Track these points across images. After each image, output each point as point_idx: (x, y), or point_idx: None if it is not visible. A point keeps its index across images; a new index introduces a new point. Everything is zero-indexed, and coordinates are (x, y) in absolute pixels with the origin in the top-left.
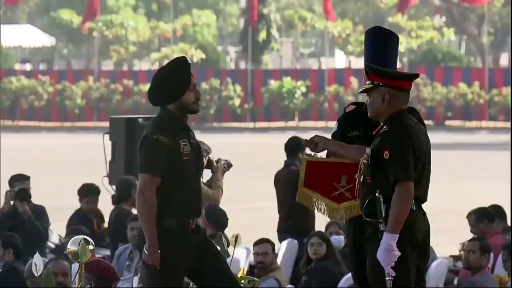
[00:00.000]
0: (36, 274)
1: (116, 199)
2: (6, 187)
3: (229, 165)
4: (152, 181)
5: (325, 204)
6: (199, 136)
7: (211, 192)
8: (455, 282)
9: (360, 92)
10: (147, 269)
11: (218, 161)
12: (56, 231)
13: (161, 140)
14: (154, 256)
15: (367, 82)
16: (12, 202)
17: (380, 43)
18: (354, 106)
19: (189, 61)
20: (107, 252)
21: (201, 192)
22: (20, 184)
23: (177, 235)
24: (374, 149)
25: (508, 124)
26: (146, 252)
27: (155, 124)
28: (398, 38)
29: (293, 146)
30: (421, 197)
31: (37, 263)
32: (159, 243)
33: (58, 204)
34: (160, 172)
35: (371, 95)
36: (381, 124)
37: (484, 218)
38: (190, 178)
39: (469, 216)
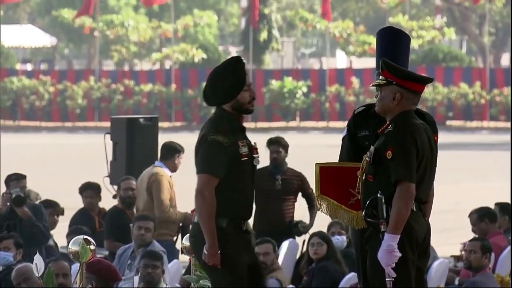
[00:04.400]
0: (37, 274)
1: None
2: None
3: None
4: (210, 181)
5: (344, 211)
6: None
7: None
8: (456, 282)
9: (372, 86)
10: (210, 270)
11: None
12: (57, 230)
13: (219, 140)
14: (215, 256)
15: (381, 78)
16: (9, 203)
17: (392, 43)
18: (363, 108)
19: (244, 61)
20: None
21: (253, 194)
22: (16, 183)
23: (231, 234)
24: (378, 147)
25: (509, 124)
26: (206, 252)
27: (213, 124)
28: (409, 38)
29: None
30: (422, 198)
31: (38, 263)
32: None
33: None
34: (219, 172)
35: (383, 90)
36: (387, 123)
37: (486, 217)
38: (246, 179)
39: (471, 215)
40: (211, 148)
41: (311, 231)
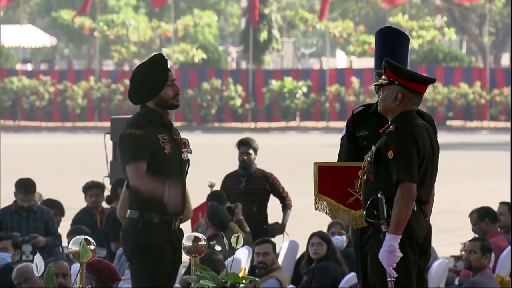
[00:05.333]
0: (37, 274)
1: (107, 199)
2: (6, 187)
3: None
4: (138, 168)
5: (343, 212)
6: (201, 136)
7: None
8: (456, 282)
9: (374, 85)
10: (132, 263)
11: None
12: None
13: (135, 133)
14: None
15: (383, 77)
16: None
17: (390, 43)
18: (362, 108)
19: (166, 57)
20: None
21: (185, 190)
22: (23, 197)
23: (159, 230)
24: (379, 147)
25: (509, 124)
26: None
27: (130, 121)
28: (408, 38)
29: None
30: (423, 198)
31: (38, 263)
32: (142, 235)
33: None
34: (141, 156)
35: (385, 90)
36: (388, 123)
37: (486, 217)
38: (172, 174)
39: (471, 214)
40: (127, 141)
41: (310, 231)
